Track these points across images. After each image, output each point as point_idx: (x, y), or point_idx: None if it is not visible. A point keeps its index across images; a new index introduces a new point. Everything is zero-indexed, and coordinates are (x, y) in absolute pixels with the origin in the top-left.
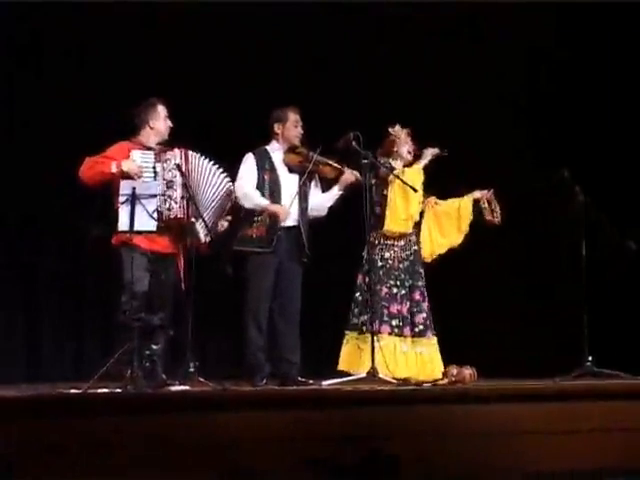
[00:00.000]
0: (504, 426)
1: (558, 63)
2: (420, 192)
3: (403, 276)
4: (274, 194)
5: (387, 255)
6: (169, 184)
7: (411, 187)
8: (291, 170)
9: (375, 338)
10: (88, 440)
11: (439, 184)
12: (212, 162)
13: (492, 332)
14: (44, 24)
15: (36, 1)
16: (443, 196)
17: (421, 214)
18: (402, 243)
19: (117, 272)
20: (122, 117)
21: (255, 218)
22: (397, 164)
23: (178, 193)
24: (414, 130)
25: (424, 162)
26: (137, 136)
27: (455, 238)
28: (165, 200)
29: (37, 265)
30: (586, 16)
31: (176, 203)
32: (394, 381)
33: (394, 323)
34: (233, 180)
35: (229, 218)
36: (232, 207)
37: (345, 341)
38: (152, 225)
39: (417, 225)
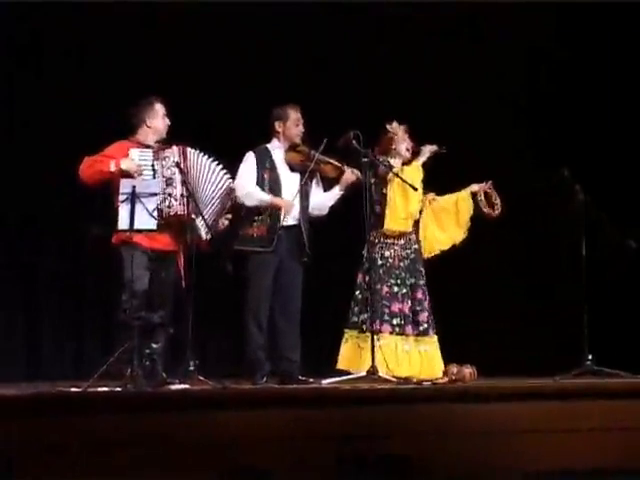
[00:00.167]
0: (504, 425)
1: (558, 63)
2: (420, 190)
3: (404, 275)
4: (274, 192)
5: (387, 254)
6: (168, 181)
7: (411, 186)
8: (292, 169)
9: (375, 337)
10: (88, 439)
11: (439, 184)
12: (211, 159)
13: (492, 331)
14: (44, 24)
15: (36, 1)
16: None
17: (420, 211)
18: (402, 242)
19: (117, 271)
20: (122, 117)
21: (255, 217)
22: (396, 162)
23: (178, 190)
24: (414, 130)
25: (422, 159)
26: (135, 135)
27: (455, 233)
28: (165, 198)
29: (37, 265)
30: (586, 16)
31: (176, 200)
32: (394, 380)
33: (395, 322)
34: (233, 178)
35: (229, 216)
36: (232, 206)
37: (344, 340)
38: (152, 224)
39: (417, 223)
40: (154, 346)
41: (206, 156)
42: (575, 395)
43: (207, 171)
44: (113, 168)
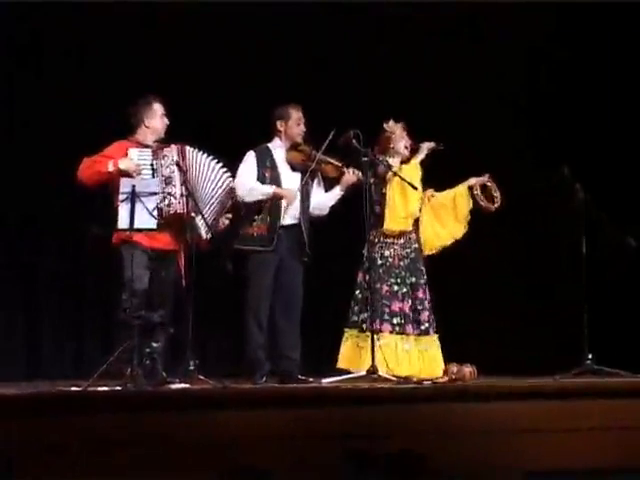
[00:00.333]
0: (504, 424)
1: (558, 63)
2: (419, 188)
3: (404, 274)
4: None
5: (387, 253)
6: (167, 180)
7: (411, 185)
8: (293, 168)
9: (375, 337)
10: (88, 438)
11: (440, 184)
12: (211, 157)
13: (492, 331)
14: (44, 24)
15: (36, 1)
16: None
17: (419, 209)
18: (402, 241)
19: (117, 271)
20: (122, 117)
21: (256, 216)
22: (394, 161)
23: (177, 189)
24: (414, 130)
25: (421, 157)
26: (134, 134)
27: (455, 228)
28: (164, 197)
29: (37, 265)
30: (586, 16)
31: (175, 199)
32: (394, 379)
33: (395, 321)
34: (233, 177)
35: (230, 216)
36: (232, 205)
37: (344, 339)
38: (152, 223)
39: (416, 221)
40: (154, 345)
41: (205, 155)
42: (575, 394)
43: (206, 170)
44: (111, 168)
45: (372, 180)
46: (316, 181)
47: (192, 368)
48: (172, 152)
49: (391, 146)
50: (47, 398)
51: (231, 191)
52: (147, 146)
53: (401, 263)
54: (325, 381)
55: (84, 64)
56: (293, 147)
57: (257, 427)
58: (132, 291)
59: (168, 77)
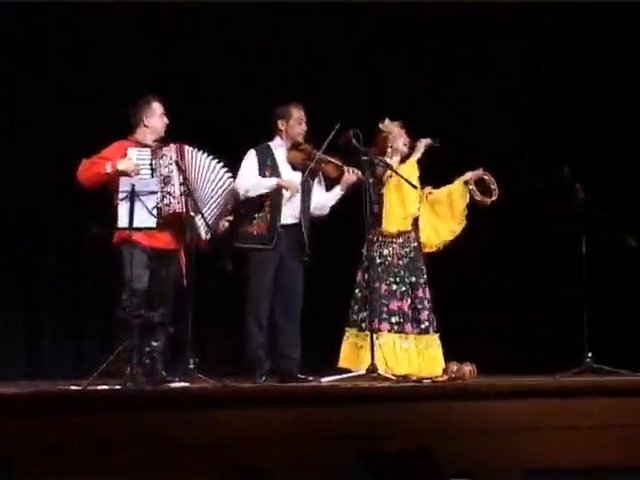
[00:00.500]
0: (504, 423)
1: (558, 63)
2: (418, 187)
3: (403, 273)
4: (276, 190)
5: (386, 252)
6: (166, 180)
7: (411, 184)
8: (294, 168)
9: (374, 335)
10: (87, 437)
11: (440, 184)
12: (211, 157)
13: (492, 330)
14: (44, 24)
15: (36, 1)
16: None
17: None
18: (401, 240)
19: (117, 270)
20: (122, 117)
21: (256, 215)
22: (394, 160)
23: (176, 188)
24: (414, 130)
25: (418, 155)
26: (133, 134)
27: (453, 224)
28: (163, 196)
29: (37, 265)
30: (586, 16)
31: (174, 199)
32: (393, 378)
33: (394, 320)
34: (234, 177)
35: (230, 218)
36: (233, 207)
37: (345, 338)
38: (152, 222)
39: (415, 220)
40: (154, 344)
41: (205, 154)
42: (575, 393)
43: (206, 170)
44: (109, 170)
45: (371, 180)
46: (317, 180)
47: (192, 367)
48: (171, 152)
49: (389, 145)
50: (47, 397)
51: (232, 192)
52: (146, 145)
53: (400, 262)
54: (325, 380)
55: (84, 64)
56: (294, 146)
57: (257, 426)
58: (132, 290)
59: (168, 77)
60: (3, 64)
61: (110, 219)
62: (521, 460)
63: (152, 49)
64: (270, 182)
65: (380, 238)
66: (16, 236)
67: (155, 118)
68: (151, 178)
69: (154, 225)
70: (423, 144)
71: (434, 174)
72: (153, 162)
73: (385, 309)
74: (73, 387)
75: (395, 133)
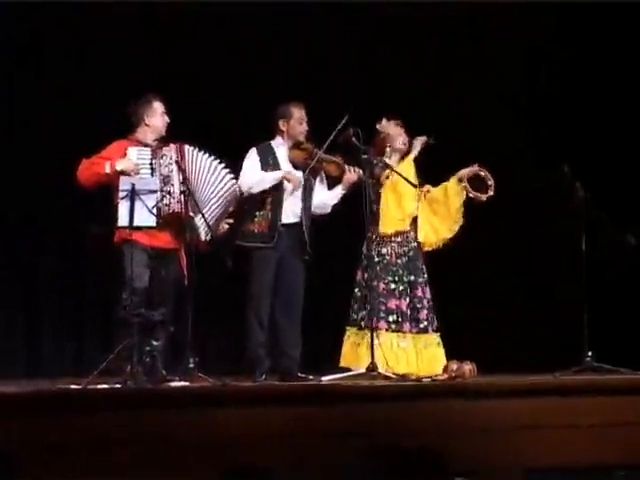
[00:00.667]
0: (504, 421)
1: (558, 63)
2: (417, 187)
3: (401, 272)
4: (277, 189)
5: (384, 251)
6: (165, 179)
7: (411, 183)
8: (296, 167)
9: (374, 334)
10: (87, 436)
11: (439, 185)
12: (212, 157)
13: (492, 329)
14: (44, 24)
15: (36, 1)
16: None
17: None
18: (400, 239)
19: (118, 269)
20: (122, 117)
21: (257, 213)
22: (392, 160)
23: (176, 188)
24: (414, 129)
25: (415, 153)
26: (134, 133)
27: (450, 223)
28: (163, 196)
29: (37, 265)
30: (586, 16)
31: (174, 198)
32: (394, 376)
33: (391, 319)
34: (234, 176)
35: (230, 221)
36: (234, 210)
37: (346, 337)
38: (152, 220)
39: (415, 219)
40: (154, 343)
41: (207, 155)
42: (575, 391)
43: (207, 171)
44: (108, 170)
45: (370, 181)
46: (318, 179)
47: (192, 366)
48: (171, 151)
49: (388, 145)
50: (47, 396)
51: (234, 195)
52: (147, 145)
53: (399, 261)
54: (325, 379)
55: (84, 64)
56: (295, 146)
57: (257, 425)
58: (132, 289)
59: (168, 77)
60: (3, 64)
61: (110, 218)
62: (521, 459)
63: (152, 49)
64: (275, 175)
65: (379, 237)
66: (16, 236)
67: (156, 117)
68: (151, 177)
69: (154, 224)
70: (419, 142)
71: (434, 174)
72: (153, 161)
73: (383, 308)
74: (73, 386)
75: (393, 133)
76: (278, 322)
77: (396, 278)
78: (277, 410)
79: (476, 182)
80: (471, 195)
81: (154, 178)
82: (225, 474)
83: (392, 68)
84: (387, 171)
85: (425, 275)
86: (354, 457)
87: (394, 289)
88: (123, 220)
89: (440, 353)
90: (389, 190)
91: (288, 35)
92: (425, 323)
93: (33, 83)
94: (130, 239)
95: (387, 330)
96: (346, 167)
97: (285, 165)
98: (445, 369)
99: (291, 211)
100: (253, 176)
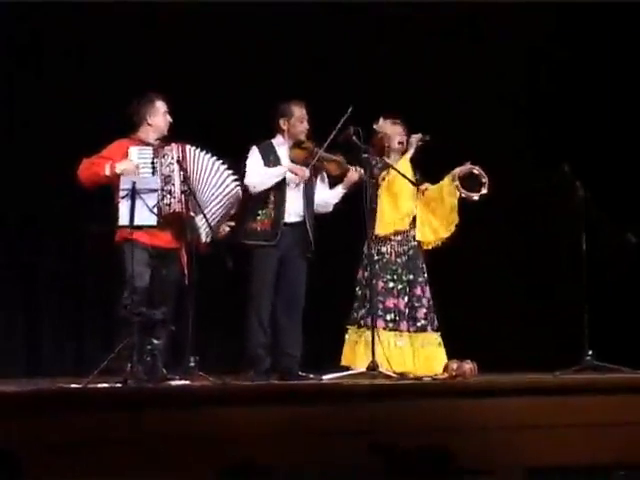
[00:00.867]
0: (504, 420)
1: (558, 63)
2: (417, 185)
3: (401, 271)
4: (278, 189)
5: (384, 249)
6: (167, 179)
7: (410, 181)
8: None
9: (370, 333)
10: (87, 435)
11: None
12: (215, 158)
13: (493, 328)
14: (44, 24)
15: (36, 1)
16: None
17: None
18: (399, 238)
19: (118, 269)
20: (122, 117)
21: (259, 211)
22: (391, 160)
23: (177, 188)
24: (413, 129)
25: (411, 152)
26: (136, 133)
27: (447, 220)
28: (164, 195)
29: (37, 265)
30: (586, 16)
31: (175, 198)
32: (394, 375)
33: (389, 318)
34: (235, 175)
35: (232, 224)
36: (236, 212)
37: (347, 336)
38: (152, 220)
39: (415, 219)
40: (155, 342)
41: (209, 155)
42: (576, 390)
43: (209, 172)
44: (108, 172)
45: (370, 180)
46: (320, 178)
47: (192, 365)
48: (172, 151)
49: (386, 145)
50: (47, 395)
51: (237, 197)
52: (149, 144)
53: (398, 260)
54: (325, 378)
55: (84, 64)
56: (296, 144)
57: (257, 424)
58: (133, 288)
59: (168, 77)
60: (3, 64)
61: (110, 218)
62: (522, 458)
63: (152, 49)
64: (279, 170)
65: (379, 236)
66: (16, 236)
67: (159, 116)
68: (152, 176)
69: (155, 223)
70: (415, 140)
71: (434, 174)
72: (155, 161)
73: (381, 306)
74: (73, 385)
75: (390, 132)
76: (279, 321)
77: (395, 277)
78: (278, 409)
79: (471, 181)
80: (463, 195)
81: (155, 177)
82: (225, 473)
83: (392, 68)
84: (384, 172)
85: (425, 274)
86: (354, 456)
87: (393, 288)
88: (124, 219)
89: (440, 353)
90: (385, 190)
91: (288, 35)
92: (423, 322)
93: (33, 83)
94: (131, 238)
95: (384, 329)
96: (348, 166)
97: (286, 163)
98: (445, 368)
99: (293, 210)
100: (259, 171)
